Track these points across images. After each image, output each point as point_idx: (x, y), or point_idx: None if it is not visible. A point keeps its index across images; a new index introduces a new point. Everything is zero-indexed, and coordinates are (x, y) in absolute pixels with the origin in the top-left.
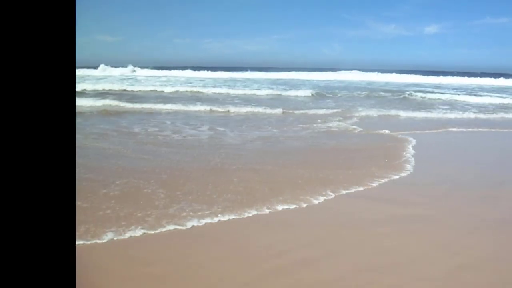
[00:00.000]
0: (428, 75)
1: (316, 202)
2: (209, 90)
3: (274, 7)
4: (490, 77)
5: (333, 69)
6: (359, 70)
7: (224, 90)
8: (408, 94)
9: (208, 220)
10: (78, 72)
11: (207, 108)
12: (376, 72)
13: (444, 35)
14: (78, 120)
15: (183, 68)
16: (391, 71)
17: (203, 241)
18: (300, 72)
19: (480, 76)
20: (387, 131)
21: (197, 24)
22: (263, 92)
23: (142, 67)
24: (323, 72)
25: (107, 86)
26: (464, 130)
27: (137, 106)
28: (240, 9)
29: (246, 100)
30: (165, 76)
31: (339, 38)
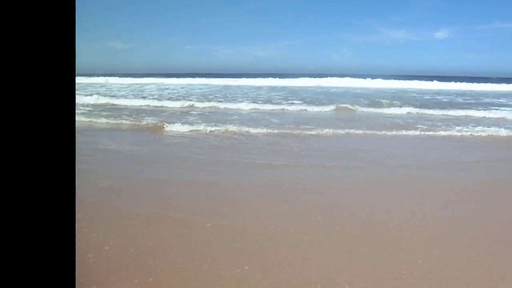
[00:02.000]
0: (449, 81)
1: None
2: (226, 106)
3: (284, 13)
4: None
5: (342, 75)
6: (370, 75)
7: (252, 105)
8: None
9: None
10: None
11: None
12: (399, 80)
13: (453, 39)
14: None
15: (193, 75)
16: (407, 77)
17: None
18: (312, 79)
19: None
20: None
21: (208, 31)
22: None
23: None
24: (336, 78)
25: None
26: None
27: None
28: (250, 15)
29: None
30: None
31: (348, 44)
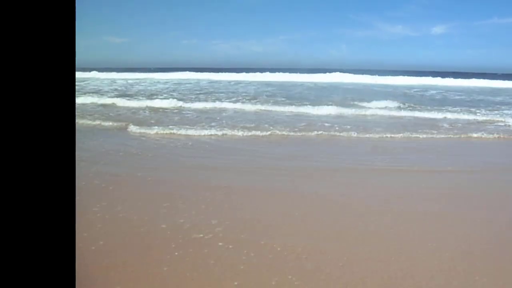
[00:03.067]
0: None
1: None
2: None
3: (281, 8)
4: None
5: (338, 70)
6: (366, 70)
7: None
8: None
9: None
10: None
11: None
12: (396, 76)
13: (451, 35)
14: None
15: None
16: (405, 73)
17: None
18: (300, 74)
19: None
20: None
21: (205, 26)
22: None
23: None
24: (328, 74)
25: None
26: None
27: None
28: (247, 10)
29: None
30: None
31: (346, 39)
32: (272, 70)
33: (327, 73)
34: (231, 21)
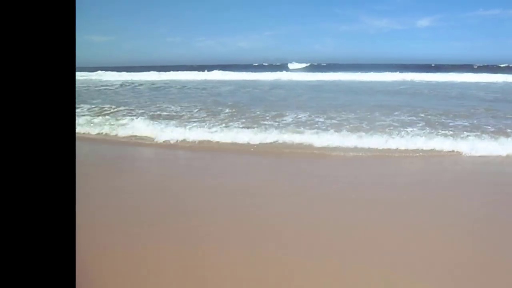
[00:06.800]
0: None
1: None
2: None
3: (265, 3)
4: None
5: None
6: (354, 65)
7: None
8: None
9: None
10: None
11: None
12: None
13: (436, 28)
14: None
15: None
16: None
17: None
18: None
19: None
20: None
21: (189, 23)
22: None
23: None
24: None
25: None
26: None
27: None
28: (231, 6)
29: None
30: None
31: (331, 34)
32: (258, 68)
33: (330, 73)
34: (215, 17)
